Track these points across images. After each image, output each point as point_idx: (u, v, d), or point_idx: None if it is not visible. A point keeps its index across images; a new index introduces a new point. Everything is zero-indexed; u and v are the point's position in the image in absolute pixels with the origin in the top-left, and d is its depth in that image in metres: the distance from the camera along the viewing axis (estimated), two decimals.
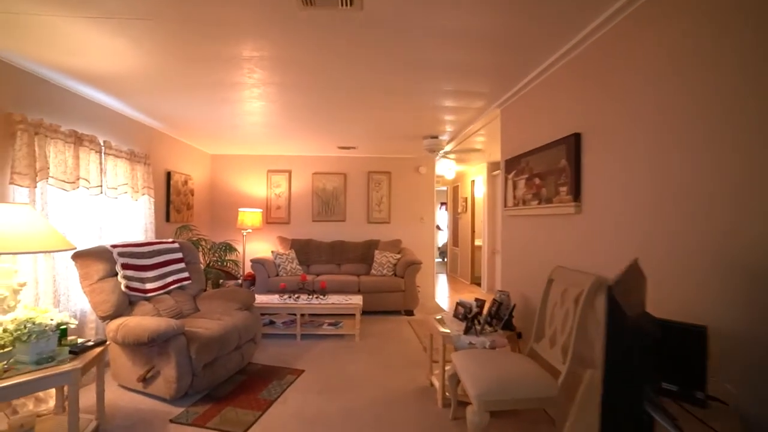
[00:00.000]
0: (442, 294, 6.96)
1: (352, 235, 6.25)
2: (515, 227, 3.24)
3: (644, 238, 1.80)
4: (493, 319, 2.73)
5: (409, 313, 5.23)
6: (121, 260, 3.02)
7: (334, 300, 4.28)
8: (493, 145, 5.59)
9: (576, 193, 2.30)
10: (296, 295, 4.38)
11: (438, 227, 8.66)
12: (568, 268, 2.39)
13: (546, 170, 2.65)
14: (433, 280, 6.50)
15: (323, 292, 4.54)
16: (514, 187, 3.16)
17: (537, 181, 2.78)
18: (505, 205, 3.35)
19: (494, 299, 2.88)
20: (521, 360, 2.24)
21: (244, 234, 5.79)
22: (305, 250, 5.85)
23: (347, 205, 6.39)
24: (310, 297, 4.37)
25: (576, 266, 2.33)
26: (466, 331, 2.61)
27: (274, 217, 6.33)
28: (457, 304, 3.04)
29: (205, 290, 4.98)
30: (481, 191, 7.41)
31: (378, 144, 5.55)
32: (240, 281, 5.65)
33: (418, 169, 6.42)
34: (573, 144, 2.32)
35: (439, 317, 3.08)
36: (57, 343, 2.02)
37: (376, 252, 5.71)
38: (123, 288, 2.92)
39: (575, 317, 2.06)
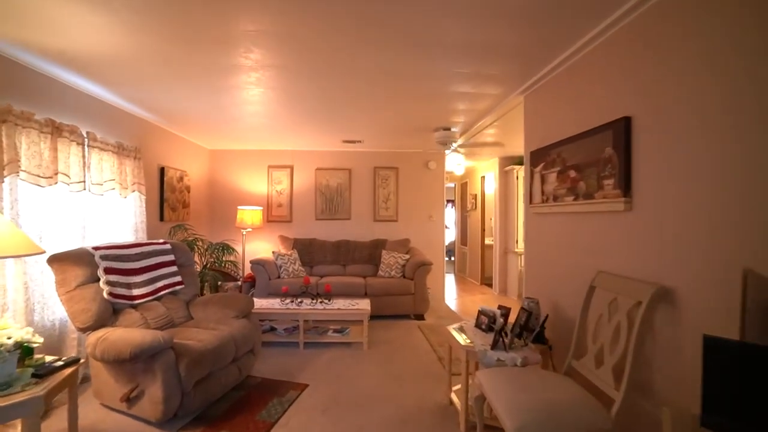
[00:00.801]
0: (451, 295, 6.63)
1: (358, 235, 5.93)
2: (544, 226, 2.91)
3: (715, 239, 1.47)
4: (523, 332, 2.40)
5: (419, 317, 4.91)
6: (103, 264, 2.70)
7: (340, 305, 3.96)
8: (507, 139, 5.25)
9: (626, 187, 1.97)
10: (299, 300, 4.07)
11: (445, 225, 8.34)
12: (614, 274, 2.06)
13: (584, 161, 2.31)
14: (442, 281, 6.18)
15: (328, 296, 4.22)
16: (543, 182, 2.83)
17: (572, 174, 2.44)
18: (531, 202, 3.02)
19: (522, 308, 2.56)
20: (563, 382, 1.91)
21: (244, 233, 5.48)
22: (308, 250, 5.53)
23: (352, 202, 6.07)
24: (314, 301, 4.05)
25: (624, 271, 2.00)
26: (494, 346, 2.29)
27: (275, 216, 6.02)
28: (480, 312, 2.72)
29: (202, 294, 4.69)
30: (492, 188, 7.08)
31: (385, 137, 5.21)
32: (240, 283, 5.35)
33: (427, 164, 6.09)
34: (622, 129, 1.98)
35: (457, 327, 2.76)
36: (17, 364, 1.71)
37: (384, 252, 5.39)
38: (105, 295, 2.61)
39: (631, 335, 1.73)
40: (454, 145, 4.92)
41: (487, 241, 7.52)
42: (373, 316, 4.54)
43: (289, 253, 5.29)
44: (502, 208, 6.62)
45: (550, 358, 2.40)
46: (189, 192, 5.17)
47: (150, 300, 2.97)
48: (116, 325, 2.60)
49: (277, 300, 4.13)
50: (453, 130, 4.64)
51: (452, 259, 10.07)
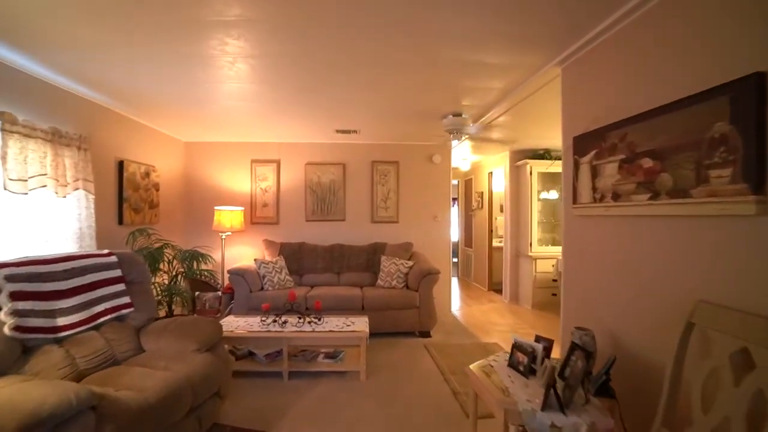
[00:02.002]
0: (456, 303, 5.97)
1: (354, 238, 5.25)
2: (595, 233, 2.24)
3: None
4: (584, 379, 1.74)
5: (425, 334, 4.24)
6: (9, 287, 2.00)
7: (333, 325, 3.29)
8: (524, 129, 4.60)
9: (758, 180, 1.30)
10: (283, 319, 3.38)
11: None
12: (734, 308, 1.40)
13: (670, 145, 1.65)
14: (449, 290, 5.51)
15: (318, 313, 3.54)
16: (594, 175, 2.16)
17: (647, 163, 1.78)
18: (575, 201, 2.36)
19: (575, 344, 1.89)
20: None
21: (223, 237, 4.78)
22: (297, 257, 4.84)
23: (347, 201, 5.38)
24: (301, 321, 3.37)
25: (755, 306, 1.34)
26: (545, 405, 1.63)
27: (259, 217, 5.31)
28: (515, 347, 2.06)
29: (171, 314, 3.99)
30: (501, 185, 6.42)
31: (384, 127, 4.53)
32: (220, 293, 4.67)
33: (431, 158, 5.42)
34: (750, 93, 1.32)
35: (483, 365, 2.10)
36: None
37: (383, 258, 4.71)
38: (8, 330, 1.92)
39: None
40: (465, 135, 4.25)
41: (495, 243, 6.88)
42: (373, 334, 3.87)
43: (274, 260, 4.60)
44: (513, 208, 5.97)
45: (620, 418, 1.74)
46: (158, 190, 4.46)
47: (84, 330, 2.28)
48: (23, 372, 1.91)
49: (258, 318, 3.45)
50: (464, 116, 3.97)
51: (455, 261, 9.42)
